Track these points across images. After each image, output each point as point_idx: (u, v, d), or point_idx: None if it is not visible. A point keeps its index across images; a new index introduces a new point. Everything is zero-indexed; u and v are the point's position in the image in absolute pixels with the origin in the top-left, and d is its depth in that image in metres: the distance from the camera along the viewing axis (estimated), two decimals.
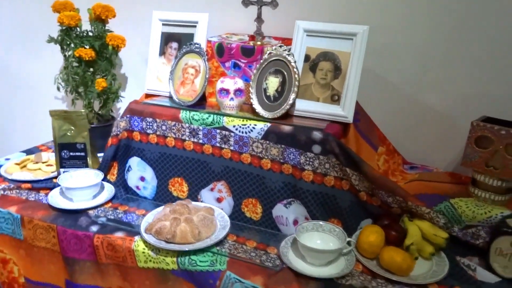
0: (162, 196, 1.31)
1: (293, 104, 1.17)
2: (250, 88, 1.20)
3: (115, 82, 1.64)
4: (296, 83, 1.14)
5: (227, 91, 1.19)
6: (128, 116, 1.30)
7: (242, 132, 1.16)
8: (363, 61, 1.15)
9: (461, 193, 1.23)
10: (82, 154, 1.38)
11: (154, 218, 1.15)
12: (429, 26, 1.35)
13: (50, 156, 1.55)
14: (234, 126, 1.17)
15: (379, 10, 1.39)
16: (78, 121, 1.37)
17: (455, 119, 1.39)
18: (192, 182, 1.27)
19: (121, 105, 1.87)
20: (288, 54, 1.16)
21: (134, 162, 1.33)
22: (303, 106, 1.20)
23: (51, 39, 1.58)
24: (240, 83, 1.21)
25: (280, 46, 1.18)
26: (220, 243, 1.11)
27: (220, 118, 1.18)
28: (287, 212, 1.16)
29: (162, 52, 1.41)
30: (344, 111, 1.16)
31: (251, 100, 1.20)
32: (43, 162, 1.51)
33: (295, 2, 1.46)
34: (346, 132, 1.20)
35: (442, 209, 1.17)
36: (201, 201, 1.26)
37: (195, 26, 1.35)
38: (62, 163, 1.38)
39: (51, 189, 1.34)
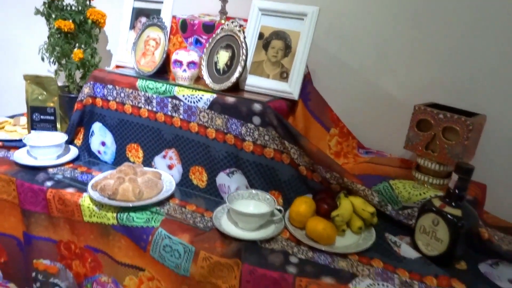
0: (121, 161, 1.38)
1: (240, 78, 1.22)
2: (202, 61, 1.26)
3: (97, 56, 1.73)
4: (243, 57, 1.19)
5: (180, 63, 1.25)
6: (91, 82, 1.38)
7: (190, 102, 1.22)
8: (311, 41, 1.19)
9: (404, 176, 1.25)
10: (52, 118, 1.46)
11: (102, 177, 1.22)
12: (389, 13, 1.38)
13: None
14: (183, 96, 1.23)
15: None
16: (49, 86, 1.45)
17: (412, 107, 1.41)
18: (147, 149, 1.33)
19: None
20: (239, 30, 1.21)
21: (97, 127, 1.40)
22: (254, 82, 1.25)
23: (37, 11, 1.68)
24: (194, 56, 1.26)
25: (232, 22, 1.23)
26: (160, 203, 1.17)
27: (172, 88, 1.24)
28: (229, 181, 1.21)
29: (133, 26, 1.48)
30: (290, 88, 1.21)
31: (202, 72, 1.25)
32: (20, 125, 1.61)
33: None
34: (293, 109, 1.24)
35: (380, 189, 1.19)
36: (155, 168, 1.33)
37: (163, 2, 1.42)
38: (33, 125, 1.47)
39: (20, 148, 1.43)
